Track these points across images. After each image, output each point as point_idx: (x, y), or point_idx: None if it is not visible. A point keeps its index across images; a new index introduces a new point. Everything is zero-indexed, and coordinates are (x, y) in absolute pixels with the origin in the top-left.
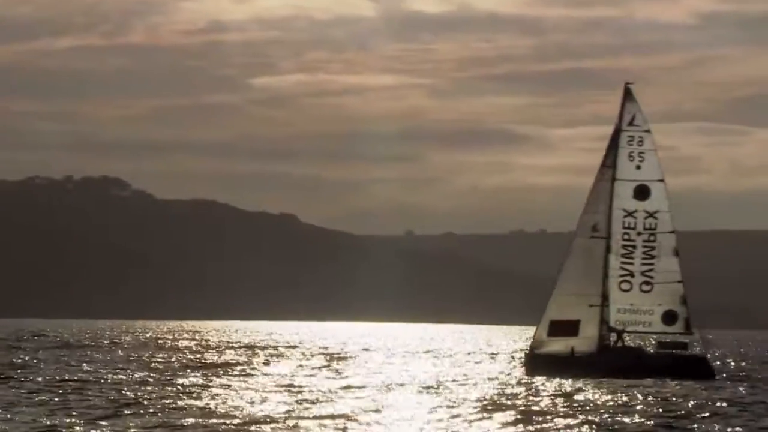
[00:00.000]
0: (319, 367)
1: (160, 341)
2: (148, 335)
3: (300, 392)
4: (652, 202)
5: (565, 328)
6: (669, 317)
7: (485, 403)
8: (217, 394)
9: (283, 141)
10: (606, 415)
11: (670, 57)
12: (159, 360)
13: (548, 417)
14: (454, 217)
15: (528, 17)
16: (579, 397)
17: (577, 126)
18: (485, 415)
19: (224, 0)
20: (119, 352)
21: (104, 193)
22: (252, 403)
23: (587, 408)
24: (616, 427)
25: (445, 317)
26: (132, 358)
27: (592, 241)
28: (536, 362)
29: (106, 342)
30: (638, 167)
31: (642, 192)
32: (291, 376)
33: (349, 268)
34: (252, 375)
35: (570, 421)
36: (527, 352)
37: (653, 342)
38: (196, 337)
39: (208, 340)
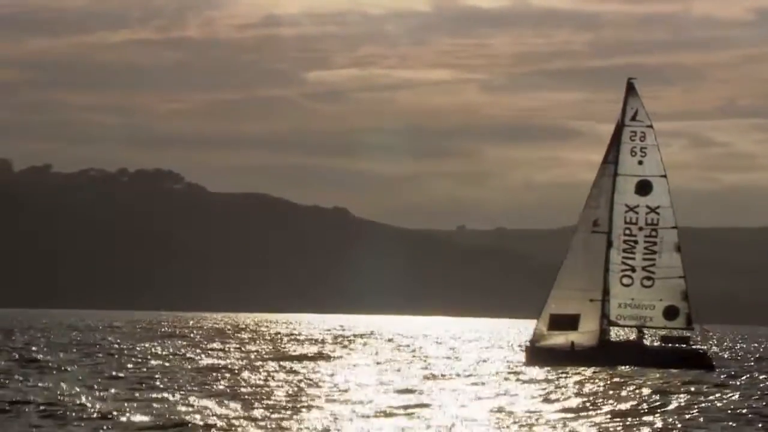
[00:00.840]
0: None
1: (245, 332)
2: (218, 326)
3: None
4: (654, 198)
5: (565, 322)
6: (670, 312)
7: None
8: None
9: (336, 135)
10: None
11: (725, 53)
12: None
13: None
14: (507, 212)
15: (584, 12)
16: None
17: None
18: None
19: None
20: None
21: (158, 186)
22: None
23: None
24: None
25: (495, 312)
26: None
27: (593, 236)
28: (537, 356)
29: (201, 331)
30: (640, 162)
31: (644, 187)
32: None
33: (400, 263)
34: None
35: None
36: (527, 345)
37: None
38: (286, 329)
39: (298, 332)
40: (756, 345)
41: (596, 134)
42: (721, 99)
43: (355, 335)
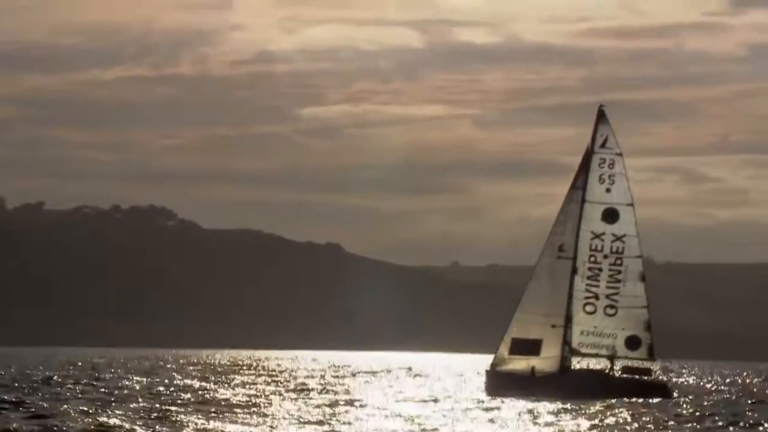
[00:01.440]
0: None
1: (253, 370)
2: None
3: None
4: (620, 226)
5: (527, 346)
6: (632, 342)
7: None
8: None
9: (330, 171)
10: None
11: (718, 89)
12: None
13: None
14: (501, 248)
15: (576, 48)
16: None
17: (625, 157)
18: None
19: (272, 31)
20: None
21: (151, 222)
22: None
23: None
24: None
25: (490, 347)
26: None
27: (558, 261)
28: (497, 380)
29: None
30: (608, 190)
31: (611, 215)
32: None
33: (393, 299)
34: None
35: None
36: (488, 369)
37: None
38: (291, 366)
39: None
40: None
41: None
42: (714, 135)
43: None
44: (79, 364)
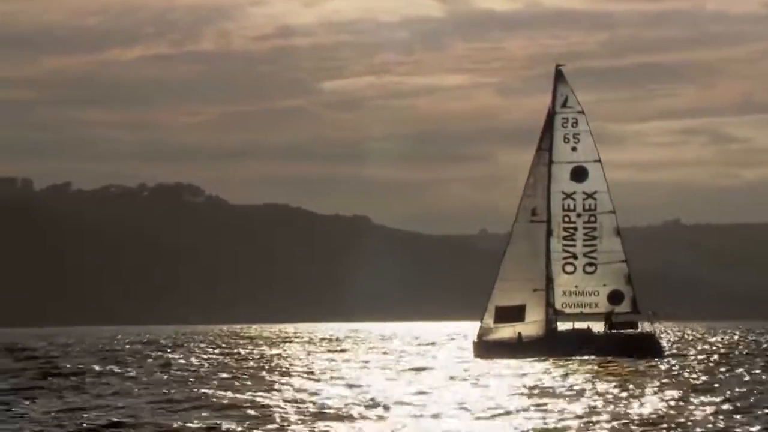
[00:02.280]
0: None
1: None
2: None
3: None
4: (590, 183)
5: (511, 313)
6: (615, 297)
7: None
8: None
9: (354, 143)
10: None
11: (742, 48)
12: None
13: None
14: None
15: (597, 12)
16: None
17: (648, 121)
18: None
19: (293, 4)
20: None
21: (178, 199)
22: None
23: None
24: None
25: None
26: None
27: (532, 225)
28: (485, 349)
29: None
30: (574, 149)
31: (579, 173)
32: None
33: (424, 268)
34: None
35: None
36: (475, 340)
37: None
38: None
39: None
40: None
41: (612, 134)
42: (739, 95)
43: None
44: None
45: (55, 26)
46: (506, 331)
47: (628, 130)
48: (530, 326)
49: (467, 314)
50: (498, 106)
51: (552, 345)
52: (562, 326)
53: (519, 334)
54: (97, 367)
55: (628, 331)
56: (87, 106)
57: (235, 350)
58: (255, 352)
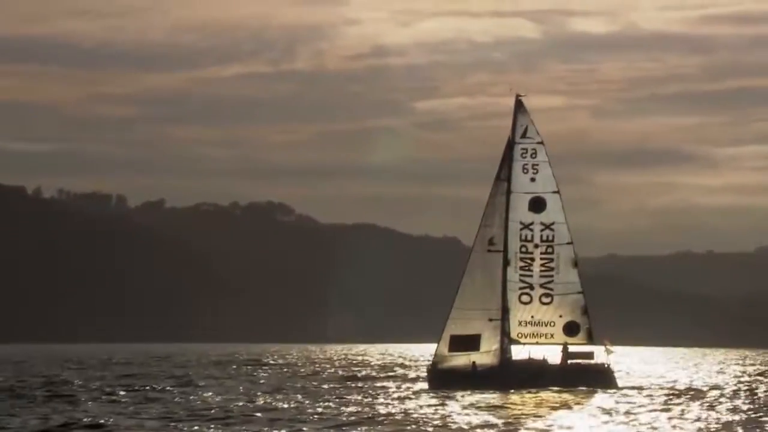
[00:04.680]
0: None
1: None
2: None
3: None
4: (548, 214)
5: (466, 342)
6: (571, 328)
7: None
8: None
9: (446, 164)
10: None
11: None
12: None
13: None
14: (618, 238)
15: (695, 36)
16: None
17: (745, 145)
18: None
19: (388, 24)
20: None
21: (269, 218)
22: None
23: None
24: None
25: (611, 338)
26: None
27: (489, 255)
28: (439, 377)
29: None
30: (533, 179)
31: (537, 204)
32: None
33: None
34: None
35: None
36: (429, 367)
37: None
38: None
39: None
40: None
41: (711, 158)
42: None
43: None
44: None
45: (154, 44)
46: (461, 360)
47: (724, 154)
48: (485, 356)
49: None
50: (593, 128)
51: (506, 376)
52: (521, 353)
53: (473, 363)
54: None
55: (584, 362)
56: (183, 123)
57: None
58: None
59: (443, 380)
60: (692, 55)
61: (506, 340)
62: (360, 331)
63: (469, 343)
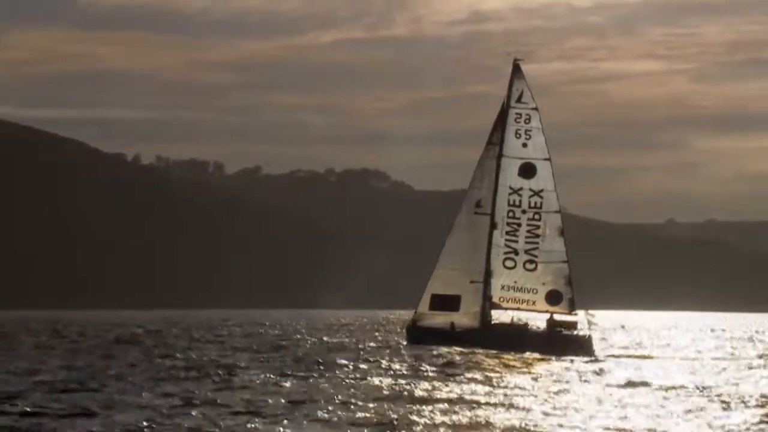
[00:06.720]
0: None
1: None
2: None
3: None
4: (537, 181)
5: (446, 302)
6: (553, 297)
7: None
8: None
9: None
10: None
11: None
12: None
13: None
14: (718, 203)
15: None
16: None
17: None
18: None
19: None
20: None
21: (364, 185)
22: None
23: None
24: None
25: (706, 305)
26: None
27: (476, 217)
28: (417, 334)
29: None
30: (524, 145)
31: (528, 170)
32: None
33: (610, 258)
34: None
35: None
36: (409, 324)
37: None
38: None
39: None
40: None
41: None
42: None
43: None
44: None
45: (251, 11)
46: (439, 319)
47: None
48: (465, 317)
49: (654, 304)
50: (692, 92)
51: (484, 338)
52: (503, 316)
53: (452, 324)
54: None
55: (565, 331)
56: (280, 90)
57: None
58: None
59: (421, 339)
60: None
61: (487, 303)
62: None
63: (450, 303)
